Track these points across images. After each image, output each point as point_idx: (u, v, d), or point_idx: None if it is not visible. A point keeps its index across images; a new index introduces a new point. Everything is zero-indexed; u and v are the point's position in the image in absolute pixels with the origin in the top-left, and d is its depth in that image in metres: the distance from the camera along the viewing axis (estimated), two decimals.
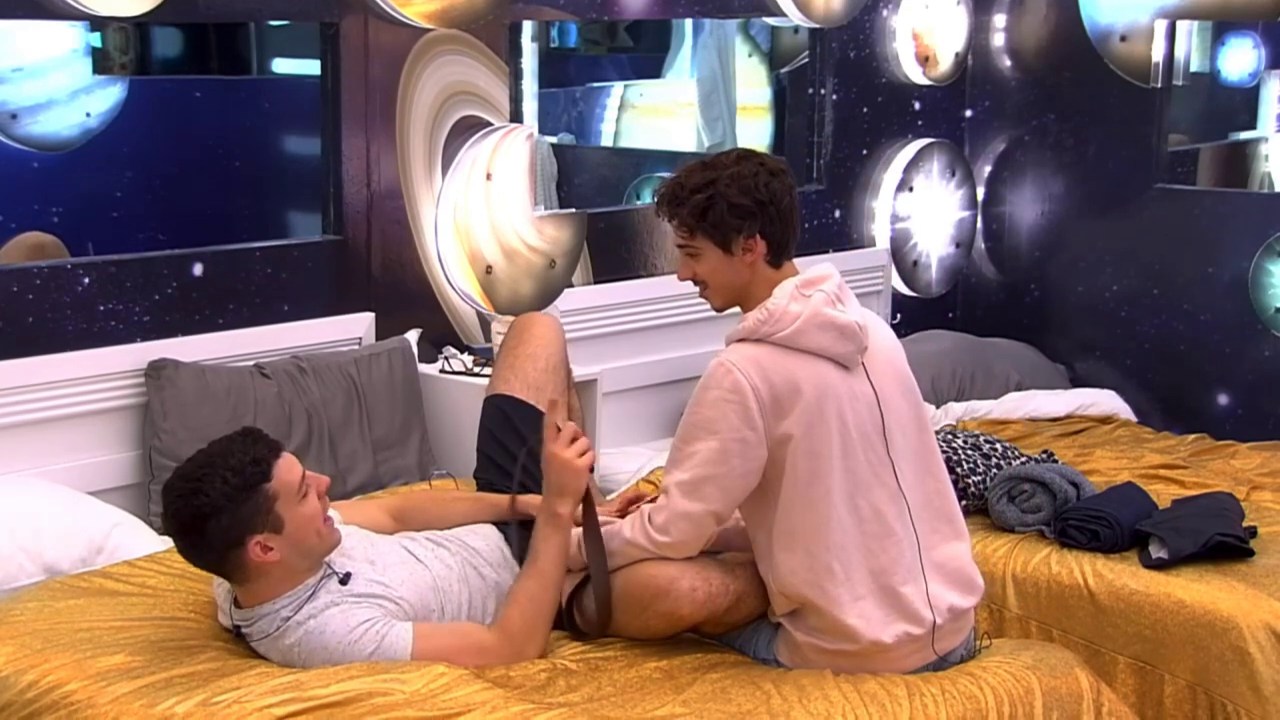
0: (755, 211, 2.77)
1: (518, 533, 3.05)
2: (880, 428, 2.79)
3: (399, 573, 2.85)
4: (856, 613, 2.75)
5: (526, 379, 3.37)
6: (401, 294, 4.19)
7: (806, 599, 2.76)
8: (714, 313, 2.95)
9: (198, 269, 3.80)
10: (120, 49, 5.51)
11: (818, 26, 5.17)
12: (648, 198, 6.02)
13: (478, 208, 4.24)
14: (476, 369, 4.08)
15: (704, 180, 2.80)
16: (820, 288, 2.78)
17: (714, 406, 2.71)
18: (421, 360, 4.10)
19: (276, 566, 2.67)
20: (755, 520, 2.84)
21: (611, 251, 4.65)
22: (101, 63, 5.41)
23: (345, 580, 2.75)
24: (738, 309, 2.88)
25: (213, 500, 2.60)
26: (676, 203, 2.83)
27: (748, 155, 2.84)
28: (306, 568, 2.73)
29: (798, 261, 2.91)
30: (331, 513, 2.82)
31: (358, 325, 4.07)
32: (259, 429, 2.74)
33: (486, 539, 3.06)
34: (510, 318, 4.08)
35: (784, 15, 5.05)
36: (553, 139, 6.14)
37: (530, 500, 3.07)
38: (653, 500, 2.88)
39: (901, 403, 2.86)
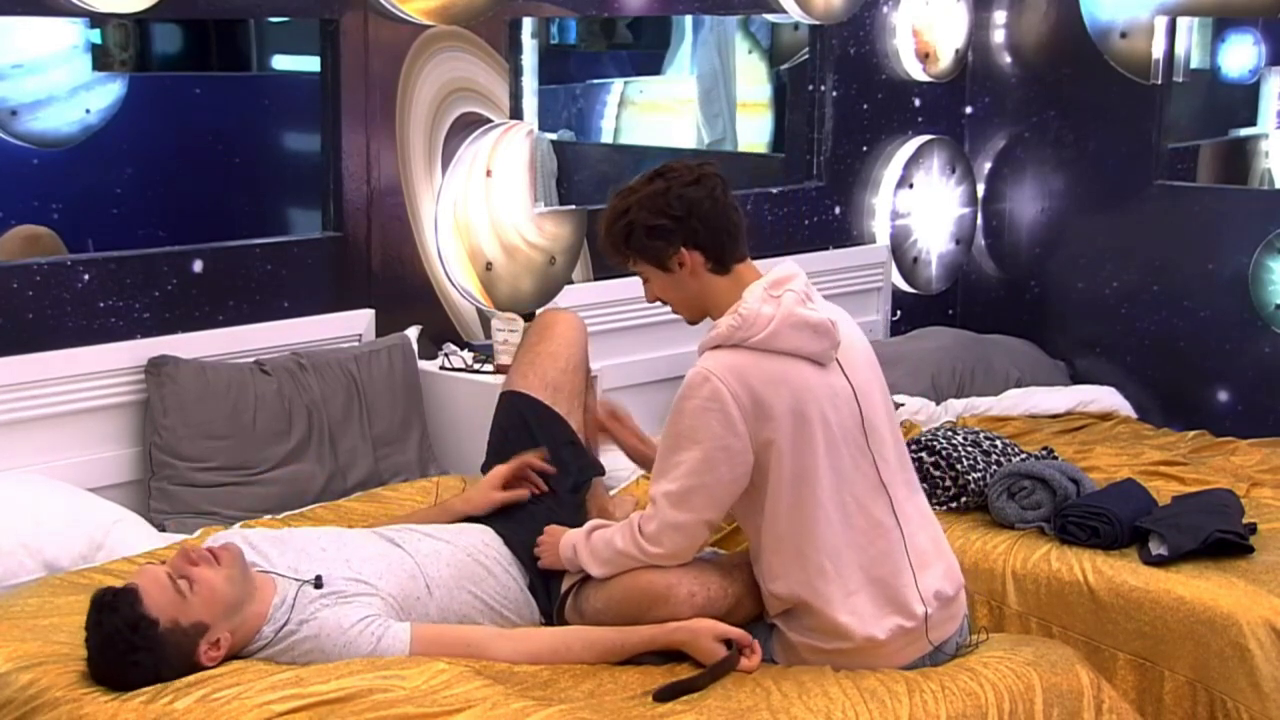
0: (673, 228, 2.77)
1: (519, 532, 3.07)
2: (860, 421, 2.79)
3: (377, 565, 2.84)
4: (849, 610, 2.75)
5: (545, 378, 3.34)
6: (401, 290, 4.19)
7: (800, 598, 2.77)
8: None
9: (198, 265, 3.80)
10: (120, 45, 5.50)
11: (818, 23, 5.17)
12: None
13: (478, 204, 4.25)
14: (476, 365, 4.08)
15: (620, 209, 2.83)
16: (789, 287, 2.77)
17: (695, 415, 2.71)
18: (421, 357, 4.10)
19: (234, 635, 2.67)
20: (745, 523, 2.84)
21: None
22: (101, 59, 5.41)
23: (319, 584, 2.75)
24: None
25: (145, 668, 2.57)
26: (605, 238, 2.87)
27: (661, 173, 2.83)
28: (254, 597, 2.71)
29: (791, 259, 2.90)
30: (222, 535, 2.83)
31: (358, 322, 4.08)
32: (100, 592, 2.64)
33: (479, 537, 3.07)
34: (511, 314, 4.09)
35: (784, 12, 5.05)
36: (553, 136, 6.13)
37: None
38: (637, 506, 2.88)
39: (877, 395, 2.86)
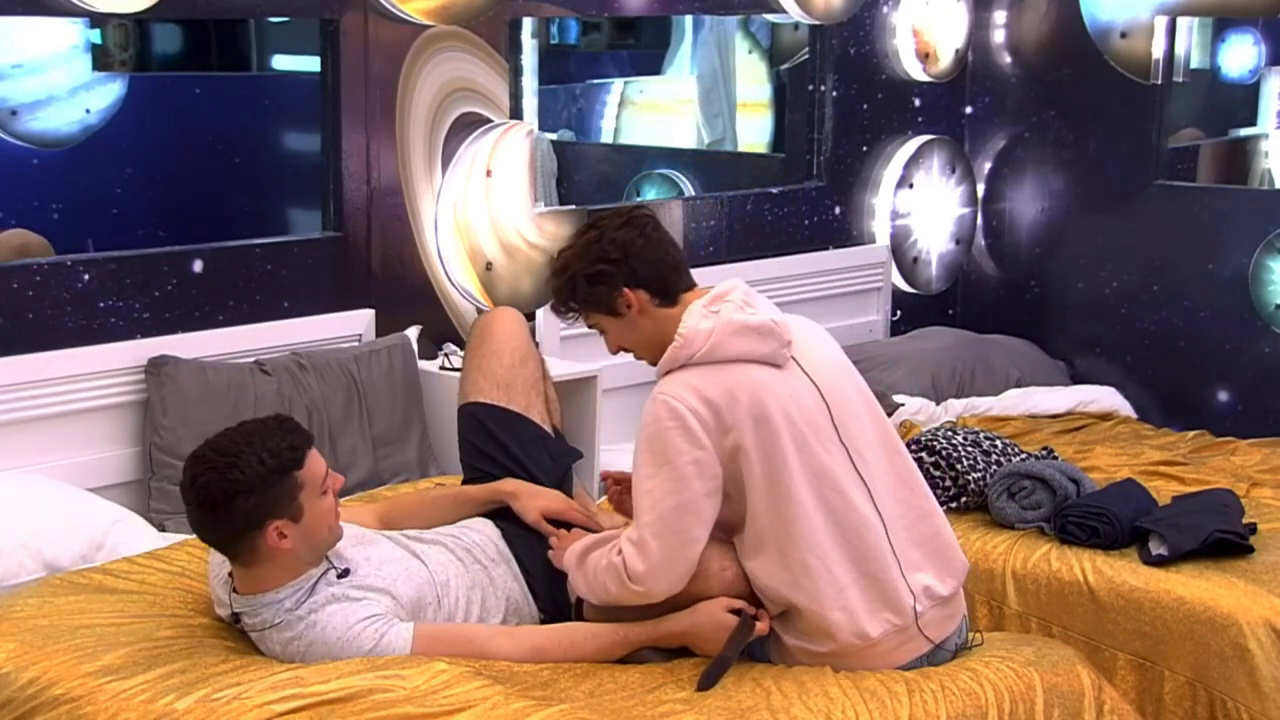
0: (612, 271, 2.81)
1: (516, 529, 3.07)
2: (828, 417, 2.79)
3: (394, 569, 2.85)
4: (840, 605, 2.74)
5: (495, 378, 3.31)
6: (401, 290, 4.19)
7: (788, 600, 2.76)
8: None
9: (198, 266, 3.80)
10: (120, 45, 5.51)
11: (818, 23, 5.17)
12: (648, 194, 6.03)
13: (477, 204, 4.25)
14: None
15: (559, 267, 2.88)
16: (727, 299, 2.79)
17: (657, 439, 2.71)
18: (421, 357, 4.10)
19: (286, 554, 2.69)
20: (731, 536, 2.84)
21: None
22: (101, 59, 5.42)
23: (344, 575, 2.76)
24: None
25: (246, 478, 2.61)
26: (554, 298, 2.91)
27: (592, 224, 2.88)
28: (311, 560, 2.74)
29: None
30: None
31: (358, 322, 4.08)
32: (293, 418, 2.77)
33: (482, 533, 3.07)
34: (514, 312, 4.08)
35: (784, 12, 5.05)
36: (552, 136, 6.14)
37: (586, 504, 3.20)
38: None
39: (849, 391, 2.86)
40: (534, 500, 3.11)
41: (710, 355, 2.73)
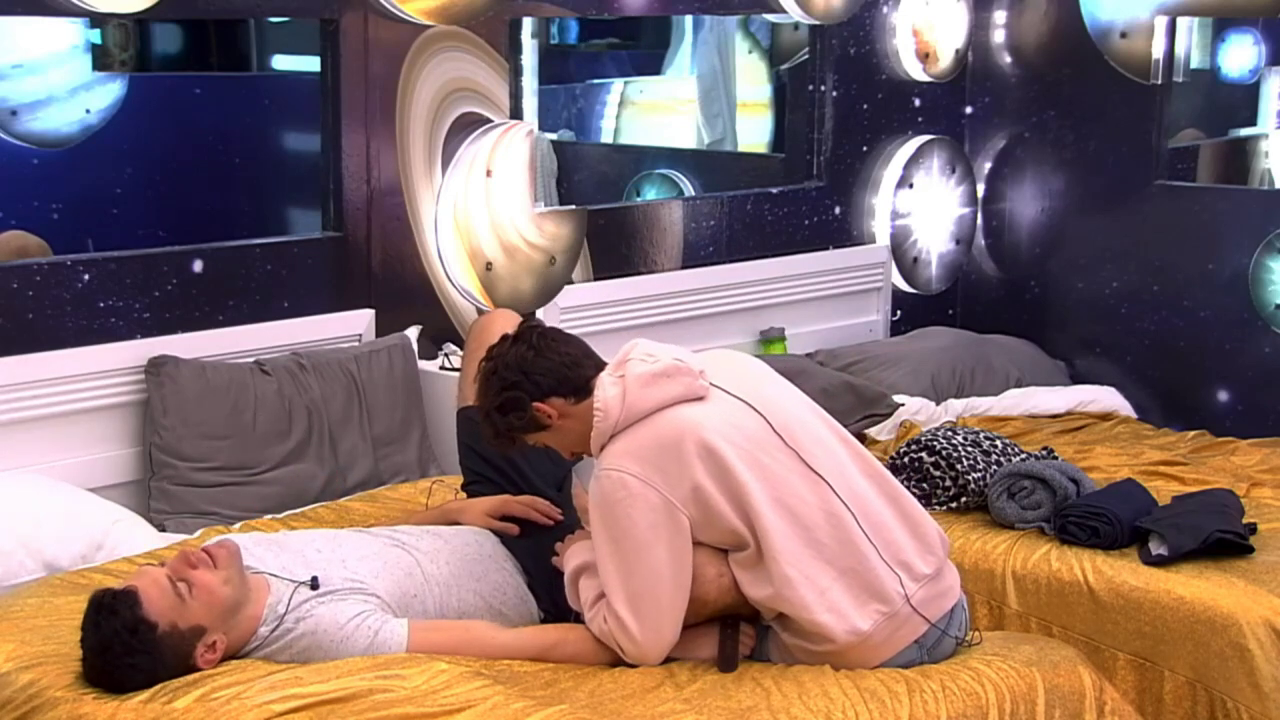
0: (518, 395, 2.82)
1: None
2: (768, 427, 2.79)
3: (373, 564, 2.84)
4: (826, 607, 2.74)
5: None
6: (401, 290, 4.20)
7: (779, 611, 2.78)
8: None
9: (198, 265, 3.80)
10: (120, 45, 5.51)
11: (818, 23, 5.17)
12: (648, 194, 6.03)
13: (478, 204, 4.25)
14: None
15: (478, 410, 2.90)
16: (629, 358, 2.81)
17: (610, 514, 2.72)
18: (421, 357, 4.10)
19: (229, 637, 2.67)
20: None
21: (611, 248, 4.65)
22: (101, 59, 5.42)
23: (315, 585, 2.75)
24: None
25: (141, 671, 2.57)
26: (489, 438, 2.92)
27: (487, 356, 2.88)
28: (250, 599, 2.71)
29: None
30: (216, 539, 2.86)
31: (358, 322, 4.08)
32: (99, 593, 2.63)
33: (478, 534, 3.07)
34: (511, 313, 4.09)
35: (784, 12, 5.05)
36: (553, 135, 6.14)
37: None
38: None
39: (780, 400, 2.87)
40: (476, 506, 3.16)
41: (631, 415, 2.75)
